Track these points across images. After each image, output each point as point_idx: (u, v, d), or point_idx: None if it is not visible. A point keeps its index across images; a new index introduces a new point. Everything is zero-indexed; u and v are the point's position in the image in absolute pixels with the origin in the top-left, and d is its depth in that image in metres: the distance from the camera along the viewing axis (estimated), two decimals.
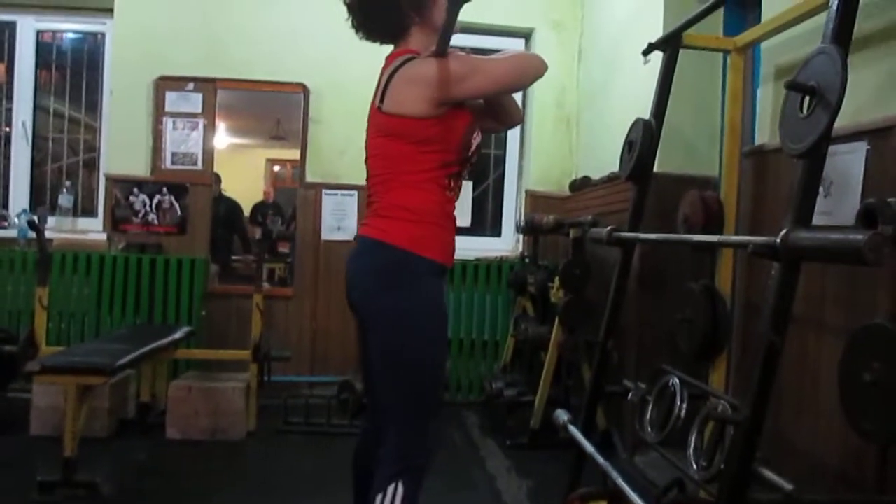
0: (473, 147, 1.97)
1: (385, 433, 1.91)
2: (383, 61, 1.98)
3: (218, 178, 6.67)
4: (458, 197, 2.01)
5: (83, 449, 2.93)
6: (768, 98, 2.68)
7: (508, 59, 1.95)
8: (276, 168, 10.33)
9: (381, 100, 1.88)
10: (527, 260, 4.52)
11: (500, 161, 5.24)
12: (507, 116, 2.18)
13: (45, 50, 5.05)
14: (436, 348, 1.92)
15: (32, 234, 3.99)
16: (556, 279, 3.76)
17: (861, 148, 2.07)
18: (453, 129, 1.89)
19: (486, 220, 5.24)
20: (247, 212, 7.08)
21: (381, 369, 1.93)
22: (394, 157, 1.90)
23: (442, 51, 1.83)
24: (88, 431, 3.19)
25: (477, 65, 1.87)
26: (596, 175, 4.23)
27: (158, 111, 4.74)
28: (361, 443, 2.17)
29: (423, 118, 1.83)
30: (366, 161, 2.00)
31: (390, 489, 1.80)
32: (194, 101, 4.74)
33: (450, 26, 1.76)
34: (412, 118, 1.84)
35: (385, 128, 1.90)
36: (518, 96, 5.21)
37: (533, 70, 1.98)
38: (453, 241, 1.99)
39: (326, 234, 4.80)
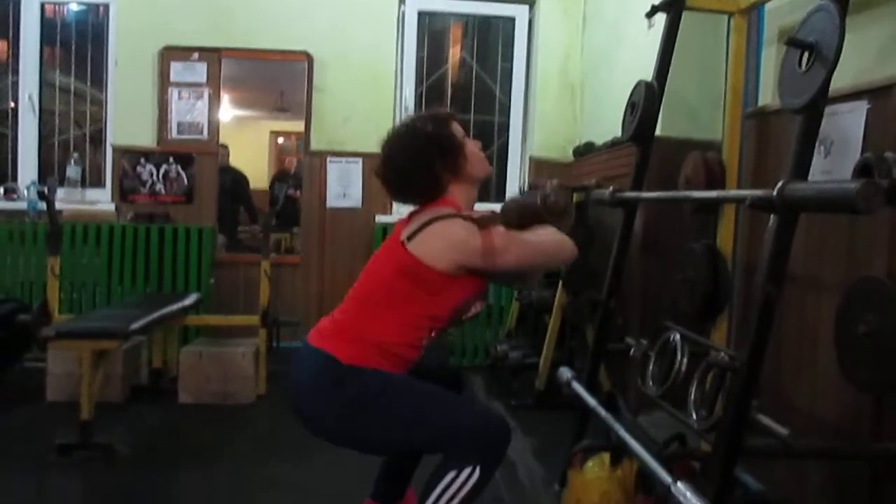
0: (470, 313, 2.02)
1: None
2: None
3: (226, 149, 6.72)
4: (430, 344, 2.00)
5: (98, 414, 3.00)
6: (771, 60, 2.70)
7: (542, 240, 1.97)
8: (280, 140, 10.34)
9: (410, 237, 1.89)
10: None
11: (504, 128, 5.26)
12: (524, 281, 2.23)
13: (50, 24, 5.05)
14: (404, 406, 1.87)
15: (42, 206, 4.04)
16: None
17: (861, 107, 2.09)
18: (460, 291, 1.92)
19: (491, 187, 5.26)
20: (262, 183, 7.08)
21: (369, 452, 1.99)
22: (392, 291, 1.91)
23: (483, 222, 1.88)
24: (103, 397, 3.25)
25: (513, 242, 1.90)
26: (600, 141, 4.25)
27: (164, 82, 4.76)
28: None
29: (440, 272, 1.86)
30: (363, 273, 2.02)
31: (466, 471, 1.78)
32: (199, 71, 4.76)
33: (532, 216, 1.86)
34: (431, 268, 1.86)
35: (400, 262, 1.90)
36: (522, 65, 5.21)
37: (562, 256, 2.05)
38: (409, 365, 1.97)
39: (332, 202, 4.84)
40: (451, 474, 1.79)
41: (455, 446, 1.82)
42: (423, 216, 1.92)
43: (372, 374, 1.85)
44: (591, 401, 2.41)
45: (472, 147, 2.01)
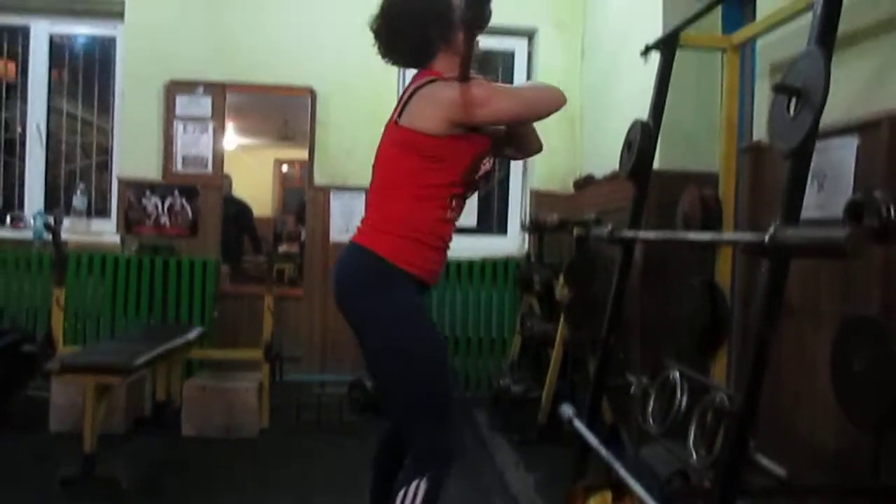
0: (481, 172, 2.03)
1: (404, 435, 1.99)
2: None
3: (229, 179, 6.77)
4: (458, 217, 2.05)
5: (102, 445, 3.02)
6: (765, 94, 2.74)
7: (528, 89, 2.03)
8: (285, 168, 10.41)
9: (400, 114, 1.94)
10: (532, 258, 4.58)
11: (505, 160, 5.30)
12: (527, 146, 2.23)
13: (58, 52, 5.14)
14: (422, 348, 1.94)
15: (48, 236, 4.08)
16: (561, 276, 3.82)
17: (852, 143, 2.12)
18: (464, 152, 1.94)
19: (492, 219, 5.30)
20: (267, 211, 7.10)
21: (374, 372, 2.01)
22: (400, 169, 1.95)
23: (464, 76, 1.88)
24: (106, 429, 3.27)
25: (495, 93, 1.93)
26: (600, 173, 4.29)
27: (169, 115, 4.83)
28: (383, 441, 2.22)
29: (435, 136, 1.89)
30: (373, 167, 2.06)
31: (413, 485, 1.85)
32: (204, 105, 4.83)
33: (468, 53, 1.80)
34: (425, 134, 1.89)
35: (398, 140, 1.95)
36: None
37: (550, 102, 2.06)
38: (440, 260, 2.02)
39: (335, 235, 4.88)
40: (401, 493, 1.86)
41: (412, 425, 1.93)
42: (407, 92, 1.96)
43: (415, 296, 1.93)
44: (593, 440, 2.42)
45: None
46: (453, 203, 1.99)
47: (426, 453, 1.91)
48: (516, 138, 2.17)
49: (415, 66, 2.06)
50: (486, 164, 2.05)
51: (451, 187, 1.96)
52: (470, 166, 1.97)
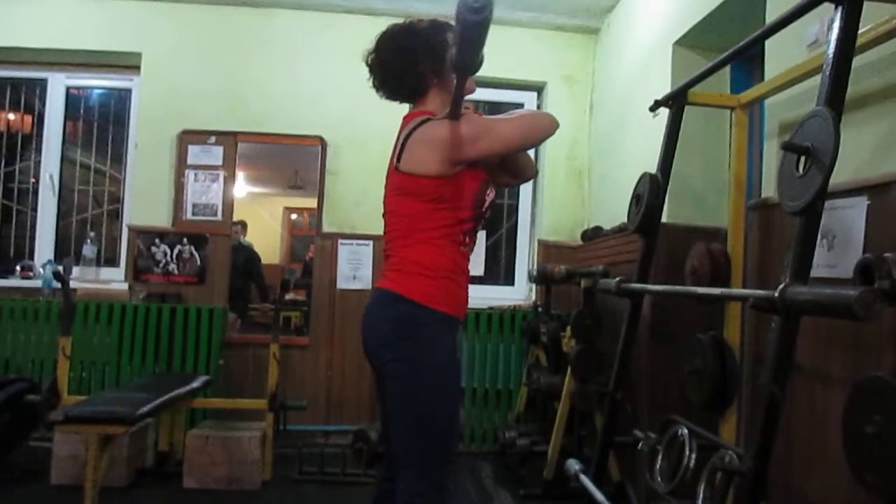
0: (487, 203, 2.04)
1: (402, 480, 1.95)
2: (400, 119, 2.07)
3: (244, 226, 6.85)
4: (472, 250, 2.07)
5: (102, 498, 2.97)
6: (773, 152, 2.75)
7: (519, 119, 2.01)
8: (294, 216, 10.50)
9: (398, 159, 1.96)
10: (539, 309, 4.56)
11: (513, 211, 5.33)
12: (521, 171, 2.23)
13: (74, 104, 5.23)
14: (447, 398, 1.95)
15: (57, 285, 4.09)
16: (568, 329, 3.80)
17: (861, 203, 2.12)
18: (466, 188, 1.96)
19: (500, 270, 5.30)
20: (275, 259, 7.14)
21: (395, 417, 1.98)
22: (409, 215, 1.96)
23: (454, 114, 1.90)
24: (107, 481, 3.22)
25: (488, 126, 1.94)
26: (608, 225, 4.29)
27: (181, 164, 4.88)
28: (378, 493, 2.20)
29: (436, 177, 1.90)
30: (383, 216, 2.07)
31: None
32: (215, 154, 4.89)
33: (459, 93, 1.83)
34: (426, 177, 1.91)
35: (401, 186, 1.97)
36: (531, 150, 5.35)
37: (543, 129, 2.05)
38: (466, 294, 2.05)
39: (342, 284, 4.88)
40: None
41: (417, 470, 1.89)
42: (401, 136, 1.97)
43: (447, 334, 1.94)
44: (600, 496, 2.38)
45: None
46: (466, 238, 2.00)
47: (421, 499, 1.89)
48: (511, 165, 2.18)
49: (407, 101, 2.09)
50: (490, 195, 2.06)
51: (462, 224, 1.97)
52: (474, 200, 1.98)
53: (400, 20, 2.06)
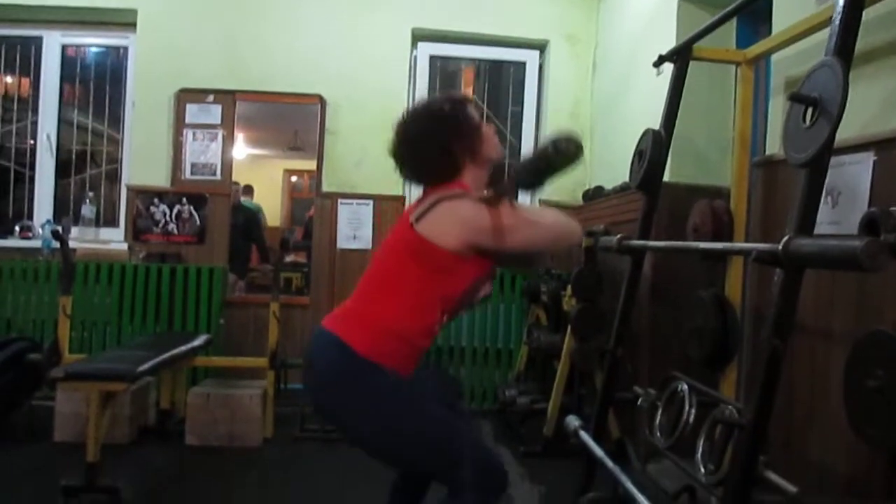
0: (479, 295, 2.01)
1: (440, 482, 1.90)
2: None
3: (250, 189, 6.83)
4: (440, 330, 1.99)
5: (105, 455, 2.98)
6: (779, 109, 2.72)
7: (551, 222, 2.00)
8: (294, 179, 10.44)
9: (418, 218, 1.87)
10: (540, 269, 4.55)
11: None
12: (534, 263, 2.24)
13: (70, 64, 5.16)
14: (411, 421, 1.86)
15: (56, 245, 4.08)
16: (569, 288, 3.79)
17: (868, 159, 2.10)
18: (469, 272, 1.91)
19: None
20: (275, 221, 7.11)
21: (377, 456, 1.93)
22: (402, 272, 1.89)
23: (493, 200, 1.87)
24: (110, 438, 3.24)
25: (520, 224, 1.89)
26: (609, 185, 4.26)
27: (179, 123, 4.84)
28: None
29: (449, 251, 1.84)
30: (373, 252, 2.02)
31: None
32: (214, 113, 4.84)
33: (502, 190, 1.82)
34: (439, 247, 1.84)
35: (410, 244, 1.88)
36: (532, 109, 5.27)
37: (570, 236, 2.06)
38: (416, 361, 1.94)
39: (342, 243, 4.87)
40: None
41: (454, 482, 1.81)
42: (432, 197, 1.90)
43: (389, 378, 1.82)
44: (599, 451, 2.38)
45: (488, 130, 2.00)
46: (444, 318, 1.94)
47: (473, 485, 1.81)
48: (527, 259, 2.18)
49: (443, 183, 1.96)
50: (486, 289, 2.03)
51: (447, 302, 1.91)
52: (470, 287, 1.94)
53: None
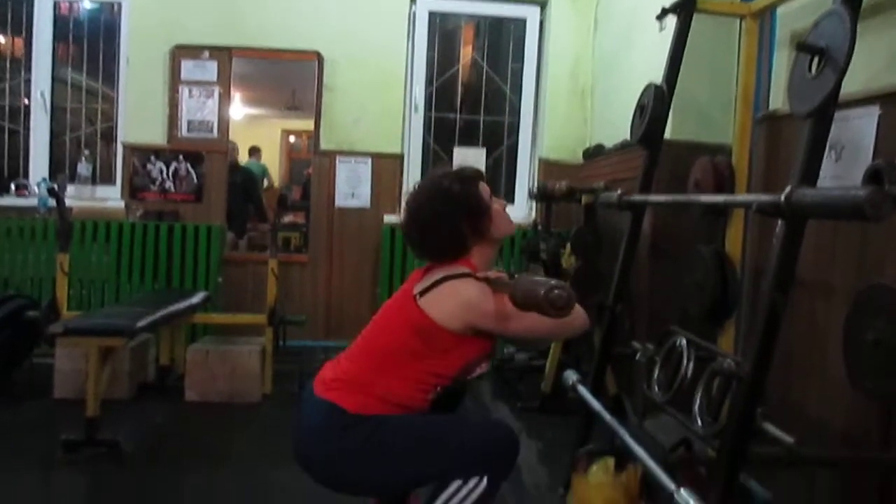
0: (474, 374, 1.99)
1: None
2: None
3: (256, 150, 6.77)
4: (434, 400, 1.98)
5: (105, 410, 3.01)
6: (784, 63, 2.68)
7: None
8: (292, 139, 10.37)
9: (423, 293, 1.87)
10: (539, 227, 4.53)
11: (514, 129, 5.24)
12: (538, 345, 2.19)
13: (63, 21, 5.07)
14: (413, 446, 1.86)
15: (53, 203, 4.06)
16: (568, 246, 3.78)
17: (873, 112, 2.08)
18: (466, 351, 1.89)
19: (500, 188, 5.25)
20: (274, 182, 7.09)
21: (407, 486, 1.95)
22: (399, 344, 1.88)
23: (499, 288, 1.84)
24: (110, 394, 3.26)
25: (524, 313, 1.82)
26: (610, 143, 4.23)
27: (174, 80, 4.78)
28: None
29: (449, 331, 1.83)
30: (373, 316, 2.00)
31: (472, 481, 1.79)
32: (210, 70, 4.78)
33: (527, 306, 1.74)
34: (441, 327, 1.83)
35: (411, 318, 1.87)
36: (532, 66, 5.22)
37: (576, 326, 2.00)
38: None
39: (340, 201, 4.84)
40: (457, 483, 1.79)
41: (464, 464, 1.82)
42: (438, 273, 1.90)
43: (376, 418, 1.83)
44: (596, 405, 2.39)
45: (498, 207, 1.99)
46: (438, 390, 1.92)
47: (486, 457, 1.83)
48: (533, 341, 2.14)
49: (450, 260, 1.95)
50: (482, 367, 2.01)
51: (441, 378, 1.90)
52: (469, 365, 1.93)
53: None
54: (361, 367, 1.91)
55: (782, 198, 1.48)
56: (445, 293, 1.85)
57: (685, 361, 2.07)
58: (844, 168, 2.18)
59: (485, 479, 1.79)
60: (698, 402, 1.89)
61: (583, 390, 2.52)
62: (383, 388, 1.85)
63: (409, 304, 1.89)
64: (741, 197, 2.44)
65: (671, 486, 1.66)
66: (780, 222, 1.56)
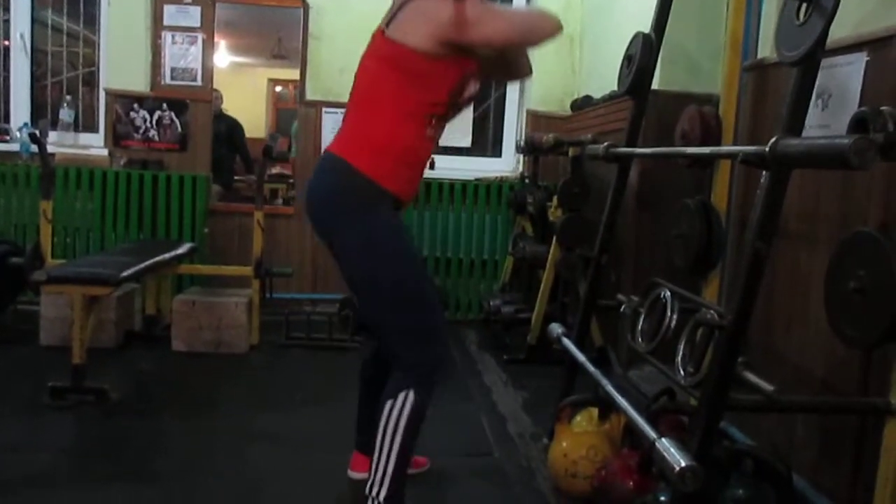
0: (467, 94, 1.98)
1: (391, 352, 1.98)
2: None
3: (219, 95, 6.63)
4: (438, 137, 2.01)
5: (92, 358, 3.01)
6: (773, 11, 2.64)
7: (523, 14, 1.97)
8: (278, 88, 10.23)
9: (388, 24, 1.88)
10: (526, 180, 4.52)
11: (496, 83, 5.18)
12: (516, 70, 2.19)
13: None
14: (404, 263, 1.95)
15: (35, 149, 4.00)
16: (555, 198, 3.78)
17: (860, 59, 2.05)
18: (450, 72, 1.89)
19: (487, 141, 5.22)
20: (260, 132, 6.99)
21: (359, 291, 1.99)
22: (383, 84, 1.90)
23: None
24: (96, 342, 3.27)
25: (489, 15, 1.86)
26: (598, 94, 4.19)
27: (157, 25, 4.68)
28: (370, 355, 2.24)
29: (423, 53, 1.83)
30: (355, 75, 2.00)
31: (401, 396, 1.87)
32: (193, 15, 4.67)
33: None
34: (412, 50, 1.83)
35: (384, 52, 1.89)
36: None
37: (544, 31, 1.98)
38: (416, 179, 2.01)
39: None
40: (389, 403, 1.88)
41: (399, 342, 1.92)
42: (398, 2, 1.91)
43: (390, 201, 1.90)
44: (580, 356, 2.41)
45: None
46: (433, 122, 1.94)
47: (412, 367, 1.92)
48: (505, 62, 2.11)
49: None
50: (472, 88, 1.99)
51: (434, 106, 1.91)
52: (455, 87, 1.92)
53: None
54: (357, 120, 1.96)
55: (767, 148, 1.48)
56: (410, 15, 1.86)
57: (669, 313, 2.08)
58: (831, 116, 2.17)
59: (412, 392, 1.87)
60: (681, 352, 1.91)
61: (567, 342, 2.54)
62: (382, 133, 1.89)
63: (379, 41, 1.91)
64: (727, 148, 2.43)
65: (652, 434, 1.68)
66: (764, 173, 1.56)
